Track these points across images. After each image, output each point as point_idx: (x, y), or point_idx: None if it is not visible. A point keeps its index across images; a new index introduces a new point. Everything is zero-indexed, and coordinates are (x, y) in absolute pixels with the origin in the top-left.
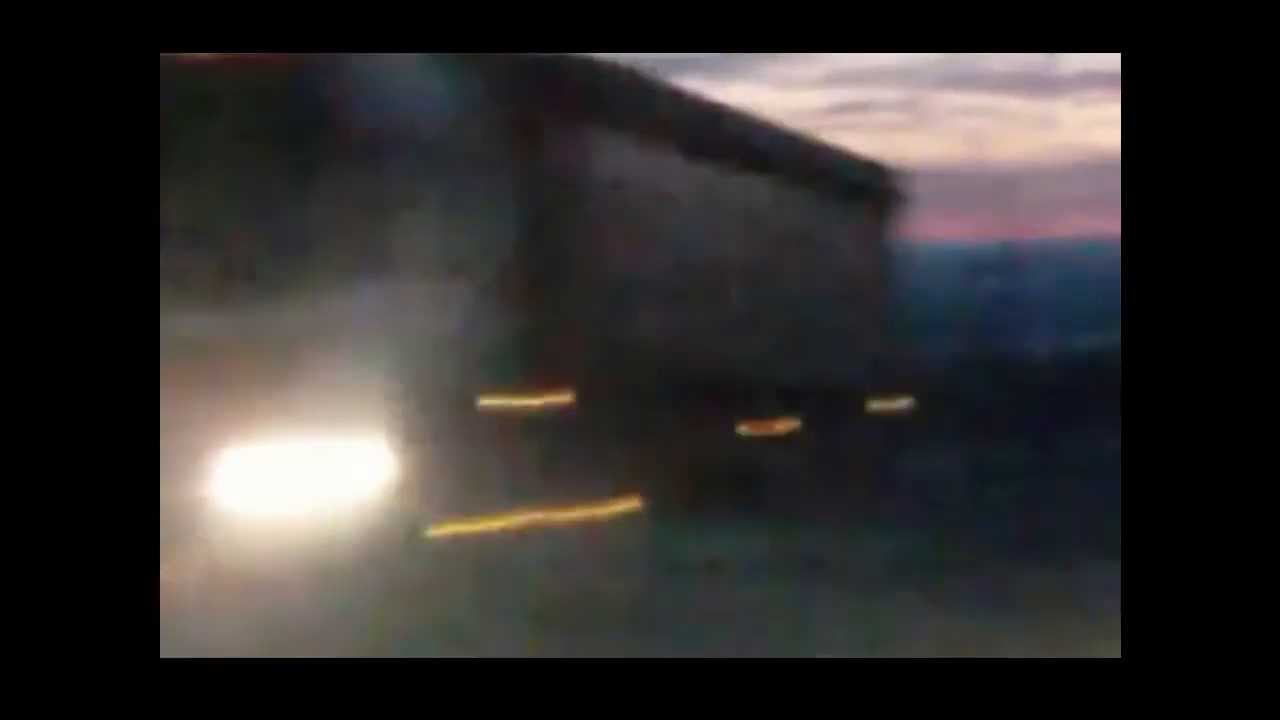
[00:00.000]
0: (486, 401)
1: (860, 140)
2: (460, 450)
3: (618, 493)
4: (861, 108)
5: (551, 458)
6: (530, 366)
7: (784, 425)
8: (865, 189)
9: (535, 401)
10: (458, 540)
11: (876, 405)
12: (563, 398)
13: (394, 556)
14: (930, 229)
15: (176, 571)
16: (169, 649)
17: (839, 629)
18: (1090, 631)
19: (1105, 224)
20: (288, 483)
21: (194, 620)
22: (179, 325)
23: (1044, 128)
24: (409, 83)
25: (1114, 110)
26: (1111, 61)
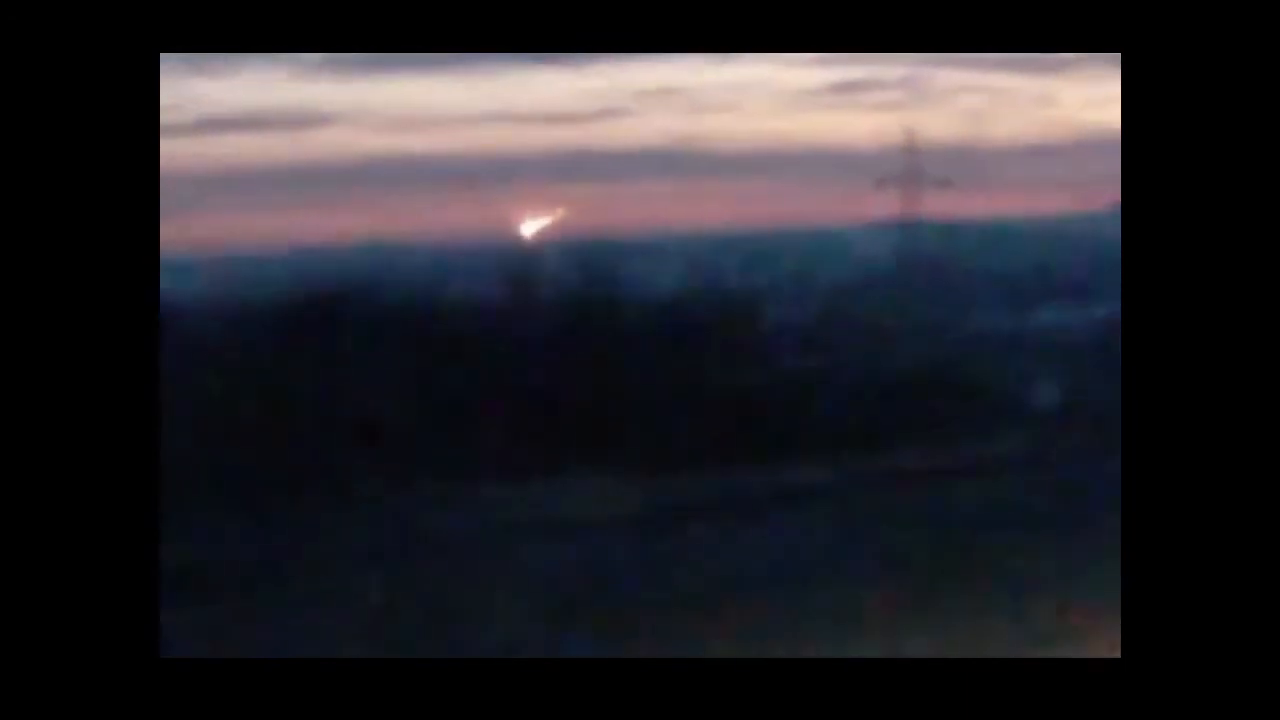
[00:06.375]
0: None
1: (859, 118)
2: None
3: None
4: (861, 86)
5: None
6: None
7: None
8: None
9: None
10: None
11: None
12: None
13: None
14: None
15: None
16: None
17: None
18: None
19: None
20: None
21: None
22: None
23: (1043, 106)
24: None
25: (1111, 89)
26: None
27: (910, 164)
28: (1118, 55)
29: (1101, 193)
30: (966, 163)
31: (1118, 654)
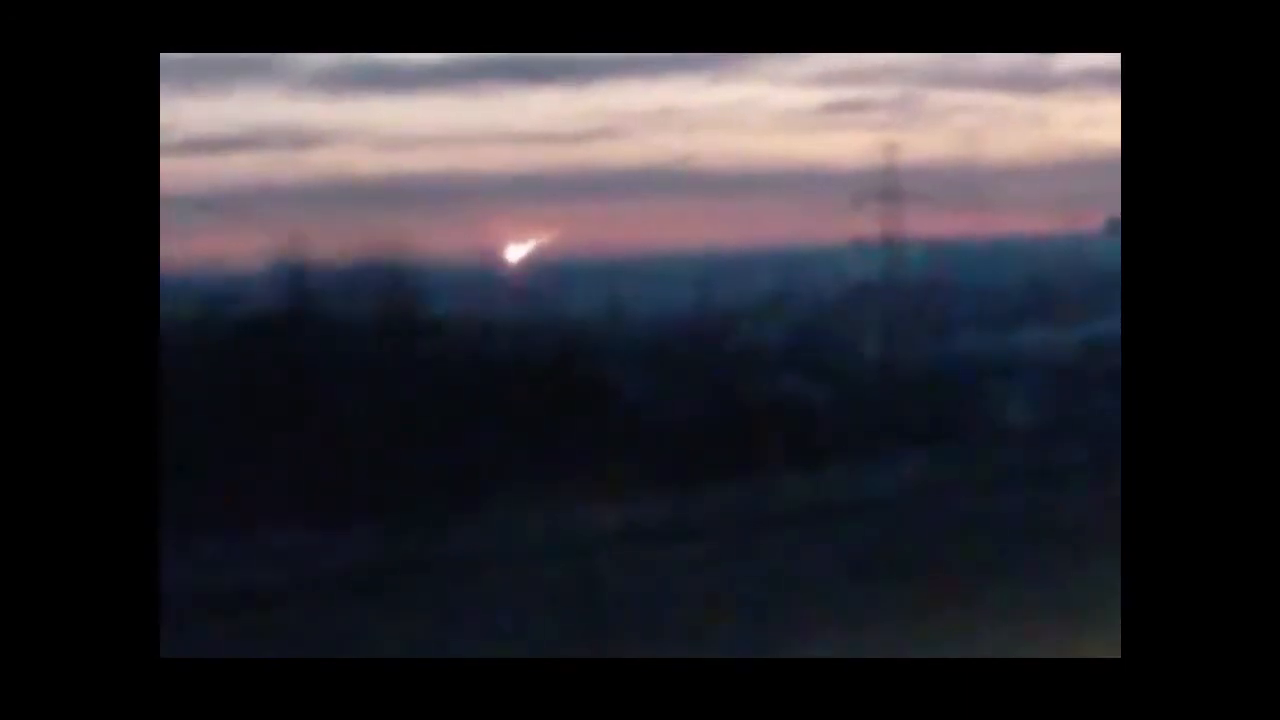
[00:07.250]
0: None
1: (854, 138)
2: None
3: None
4: (856, 106)
5: None
6: None
7: None
8: None
9: None
10: None
11: None
12: None
13: None
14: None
15: None
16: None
17: None
18: None
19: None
20: None
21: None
22: None
23: (1037, 125)
24: None
25: (1107, 108)
26: (1107, 58)
27: (897, 184)
28: (1114, 73)
29: (1094, 212)
30: (960, 182)
31: (1117, 654)
